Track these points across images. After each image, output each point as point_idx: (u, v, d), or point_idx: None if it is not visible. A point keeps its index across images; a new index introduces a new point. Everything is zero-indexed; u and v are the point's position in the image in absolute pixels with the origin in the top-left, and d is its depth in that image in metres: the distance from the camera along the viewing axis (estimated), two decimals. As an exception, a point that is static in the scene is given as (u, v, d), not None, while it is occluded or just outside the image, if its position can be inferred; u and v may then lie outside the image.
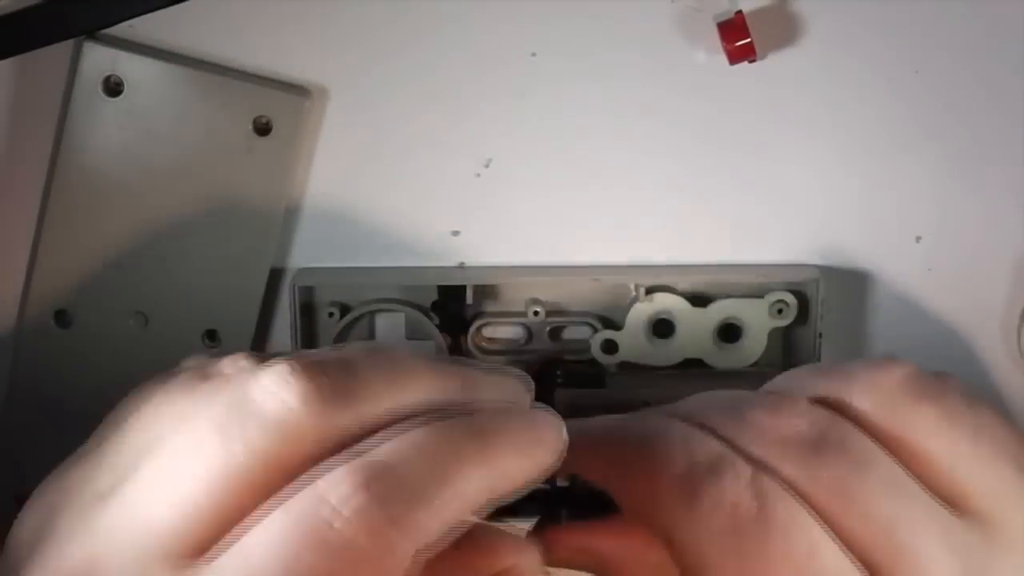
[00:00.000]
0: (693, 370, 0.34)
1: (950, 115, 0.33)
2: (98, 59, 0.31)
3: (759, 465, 0.25)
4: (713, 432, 0.26)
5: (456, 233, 0.34)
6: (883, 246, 0.34)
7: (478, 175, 0.33)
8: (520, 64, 0.32)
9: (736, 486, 0.25)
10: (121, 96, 0.31)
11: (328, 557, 0.21)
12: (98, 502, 0.23)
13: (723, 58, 0.31)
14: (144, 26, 0.32)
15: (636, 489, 0.27)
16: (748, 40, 0.31)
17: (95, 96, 0.31)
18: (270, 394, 0.22)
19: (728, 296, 0.33)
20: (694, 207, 0.33)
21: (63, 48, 0.31)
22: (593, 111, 0.32)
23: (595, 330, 0.34)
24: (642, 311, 0.33)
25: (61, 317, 0.33)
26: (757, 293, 0.33)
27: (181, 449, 0.22)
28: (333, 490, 0.21)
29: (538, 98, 0.32)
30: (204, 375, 0.24)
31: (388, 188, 0.33)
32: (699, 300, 0.33)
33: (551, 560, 0.32)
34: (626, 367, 0.34)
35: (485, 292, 0.34)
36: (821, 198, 0.33)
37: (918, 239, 0.34)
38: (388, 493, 0.21)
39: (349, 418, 0.23)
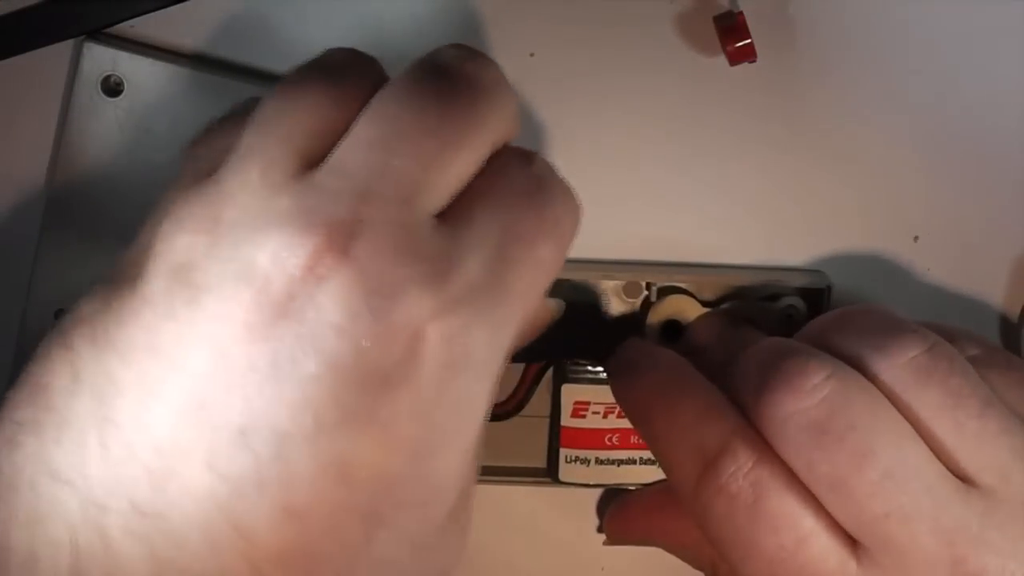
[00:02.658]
0: None
1: (950, 115, 0.33)
2: (98, 59, 0.31)
3: (764, 450, 0.26)
4: (737, 401, 0.28)
5: (456, 233, 0.34)
6: (882, 246, 0.34)
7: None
8: (520, 64, 0.32)
9: (735, 477, 0.26)
10: (121, 96, 0.31)
11: None
12: None
13: (723, 59, 0.31)
14: (144, 26, 0.32)
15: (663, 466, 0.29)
16: (748, 41, 0.31)
17: (95, 96, 0.31)
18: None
19: (737, 298, 0.33)
20: (691, 208, 0.33)
21: (63, 48, 0.31)
22: (592, 112, 0.32)
23: None
24: (654, 313, 0.33)
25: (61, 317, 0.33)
26: (769, 297, 0.33)
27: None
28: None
29: (538, 98, 0.32)
30: None
31: (388, 188, 0.33)
32: (709, 303, 0.33)
33: (615, 541, 0.33)
34: None
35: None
36: (820, 198, 0.33)
37: (916, 239, 0.34)
38: None
39: None
